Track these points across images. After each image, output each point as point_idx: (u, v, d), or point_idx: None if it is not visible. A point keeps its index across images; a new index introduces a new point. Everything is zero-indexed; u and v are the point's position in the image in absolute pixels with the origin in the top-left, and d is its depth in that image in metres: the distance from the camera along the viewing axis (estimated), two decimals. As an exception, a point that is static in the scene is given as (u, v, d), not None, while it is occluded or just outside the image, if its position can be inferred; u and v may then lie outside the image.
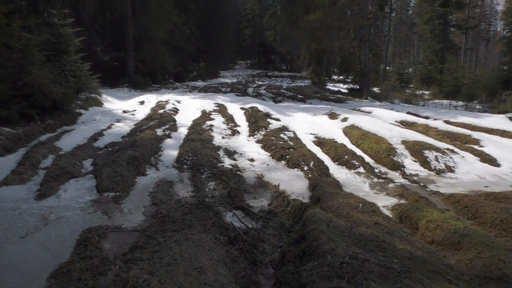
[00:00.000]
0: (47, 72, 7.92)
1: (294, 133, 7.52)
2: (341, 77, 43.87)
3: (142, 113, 9.96)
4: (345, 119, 9.11)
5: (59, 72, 8.84)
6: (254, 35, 70.51)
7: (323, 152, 6.65)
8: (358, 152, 6.65)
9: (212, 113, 9.57)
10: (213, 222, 3.50)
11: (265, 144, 6.54)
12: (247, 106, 10.83)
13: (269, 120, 8.22)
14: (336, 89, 27.50)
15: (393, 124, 9.05)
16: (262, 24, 67.95)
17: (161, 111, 9.60)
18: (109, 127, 7.87)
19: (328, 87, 28.82)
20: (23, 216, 3.66)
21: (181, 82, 29.80)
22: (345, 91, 25.45)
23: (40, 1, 15.99)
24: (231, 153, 6.10)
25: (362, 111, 11.36)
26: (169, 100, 11.52)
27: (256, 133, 7.33)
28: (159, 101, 11.31)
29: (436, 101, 19.51)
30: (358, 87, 23.49)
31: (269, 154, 6.16)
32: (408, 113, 11.29)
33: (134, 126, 8.13)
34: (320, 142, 7.22)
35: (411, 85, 26.68)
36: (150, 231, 3.32)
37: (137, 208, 4.01)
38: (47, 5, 13.30)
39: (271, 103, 14.15)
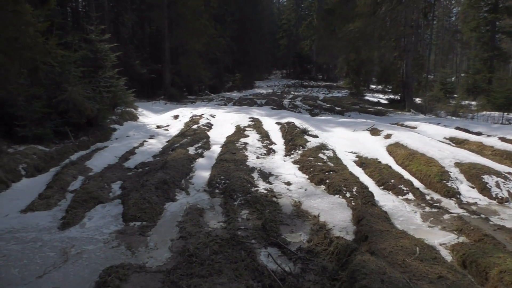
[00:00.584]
0: (82, 89, 7.89)
1: (333, 152, 7.01)
2: (379, 86, 42.53)
3: (175, 128, 9.79)
4: (388, 136, 8.49)
5: (94, 88, 8.83)
6: (289, 45, 70.39)
7: (366, 174, 6.10)
8: (406, 175, 6.04)
9: (246, 128, 9.24)
10: (245, 264, 3.10)
11: (303, 166, 6.08)
12: (283, 120, 10.43)
13: (306, 137, 7.76)
14: (375, 99, 26.52)
15: (442, 142, 8.33)
16: (298, 34, 67.83)
17: (194, 126, 9.38)
18: (142, 144, 7.70)
19: (366, 97, 27.90)
20: (43, 249, 3.42)
21: (216, 93, 29.92)
22: (385, 102, 24.45)
23: (83, 17, 16.32)
24: (266, 176, 5.68)
25: (406, 126, 10.65)
26: (203, 114, 11.33)
27: (292, 152, 6.89)
28: (193, 116, 11.14)
29: (484, 113, 18.24)
30: (398, 98, 22.49)
31: (307, 177, 5.69)
32: (457, 128, 10.47)
33: (166, 143, 7.92)
34: (362, 162, 6.67)
35: (455, 96, 25.29)
36: (175, 275, 2.96)
37: (163, 241, 3.67)
38: (88, 21, 13.54)
39: (307, 117, 13.66)
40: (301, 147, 7.01)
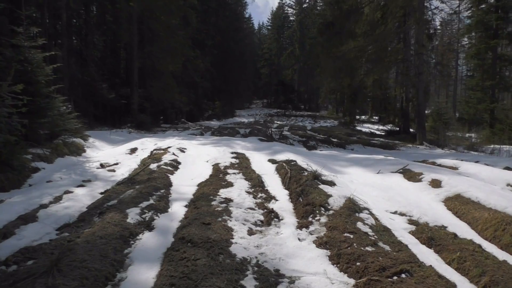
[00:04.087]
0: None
1: (371, 214, 4.23)
2: (363, 117, 40.93)
3: (126, 167, 6.86)
4: (436, 183, 5.80)
5: (-2, 109, 5.84)
6: (271, 74, 69.50)
7: (452, 266, 3.30)
8: (524, 268, 3.28)
9: (229, 170, 6.38)
10: None
11: (338, 253, 3.20)
12: (279, 157, 7.66)
13: (322, 187, 4.96)
14: (367, 130, 24.32)
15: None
16: (279, 63, 67.05)
17: (153, 165, 6.47)
18: (58, 199, 4.71)
19: (358, 128, 25.67)
20: None
21: (194, 122, 27.25)
22: (380, 133, 22.24)
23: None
24: (271, 282, 2.79)
25: (440, 165, 8.03)
26: (169, 147, 8.43)
27: (310, 219, 4.00)
28: (155, 149, 8.22)
29: (495, 146, 16.06)
30: (397, 129, 20.22)
31: (353, 283, 2.84)
32: (507, 168, 7.92)
33: (101, 195, 4.97)
34: (430, 237, 3.87)
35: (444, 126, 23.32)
36: None
37: None
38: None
39: (304, 150, 10.98)
40: (322, 208, 4.16)
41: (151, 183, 5.16)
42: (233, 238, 3.39)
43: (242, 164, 6.86)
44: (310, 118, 39.74)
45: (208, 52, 32.48)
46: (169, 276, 2.68)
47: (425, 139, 14.30)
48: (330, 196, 4.53)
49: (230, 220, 3.79)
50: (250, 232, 3.61)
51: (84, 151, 9.26)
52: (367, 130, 24.31)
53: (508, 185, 6.30)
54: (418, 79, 14.12)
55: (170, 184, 5.44)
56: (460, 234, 4.00)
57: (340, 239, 3.38)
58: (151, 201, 4.37)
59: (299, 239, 3.52)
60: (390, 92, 19.89)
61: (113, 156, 8.01)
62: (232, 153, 8.12)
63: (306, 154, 9.27)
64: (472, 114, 22.18)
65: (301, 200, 4.56)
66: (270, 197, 4.84)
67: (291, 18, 70.53)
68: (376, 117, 38.13)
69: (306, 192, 4.68)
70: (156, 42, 18.17)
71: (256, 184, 5.35)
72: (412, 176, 6.45)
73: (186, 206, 4.46)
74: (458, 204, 4.87)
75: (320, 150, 11.53)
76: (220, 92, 37.85)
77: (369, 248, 3.21)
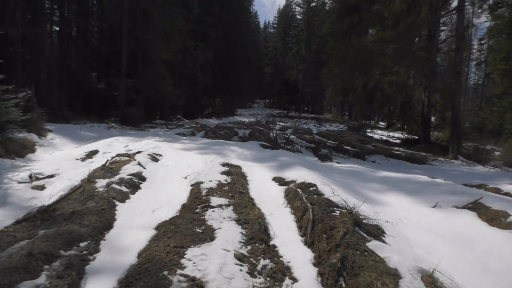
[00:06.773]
0: None
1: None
2: (369, 122, 38.69)
3: (65, 182, 4.60)
4: (545, 237, 3.60)
5: None
6: (275, 73, 67.54)
7: None
8: None
9: (213, 196, 4.13)
10: None
11: None
12: (288, 175, 5.44)
13: (372, 246, 2.76)
14: (377, 137, 22.12)
15: None
16: (284, 63, 65.01)
17: (102, 183, 4.25)
18: None
19: (368, 134, 23.43)
20: None
21: (192, 119, 25.04)
22: (393, 141, 20.05)
23: None
24: None
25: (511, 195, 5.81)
26: (140, 152, 6.20)
27: None
28: (118, 155, 5.97)
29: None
30: (416, 137, 18.00)
31: None
32: None
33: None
34: None
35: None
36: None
37: None
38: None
39: (316, 162, 8.78)
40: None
41: (71, 223, 2.94)
42: None
43: (236, 186, 4.62)
44: (314, 120, 37.61)
45: (210, 45, 30.26)
46: None
47: (460, 152, 12.05)
48: (398, 277, 2.32)
49: None
50: None
51: (33, 151, 7.09)
52: (378, 137, 22.11)
53: None
54: (456, 80, 11.84)
55: (109, 225, 3.20)
56: None
57: None
58: (42, 279, 2.15)
59: None
60: (411, 96, 17.69)
61: (57, 163, 5.78)
62: (223, 165, 5.89)
63: (322, 168, 7.05)
64: (497, 124, 19.94)
65: (344, 286, 2.33)
66: (281, 272, 2.58)
67: (298, 17, 68.58)
68: (383, 123, 35.90)
69: (351, 266, 2.46)
70: (150, 25, 15.91)
71: (256, 235, 3.08)
72: (493, 218, 4.22)
73: (118, 285, 2.23)
74: None
75: (337, 162, 9.30)
76: (222, 88, 35.64)
77: None
